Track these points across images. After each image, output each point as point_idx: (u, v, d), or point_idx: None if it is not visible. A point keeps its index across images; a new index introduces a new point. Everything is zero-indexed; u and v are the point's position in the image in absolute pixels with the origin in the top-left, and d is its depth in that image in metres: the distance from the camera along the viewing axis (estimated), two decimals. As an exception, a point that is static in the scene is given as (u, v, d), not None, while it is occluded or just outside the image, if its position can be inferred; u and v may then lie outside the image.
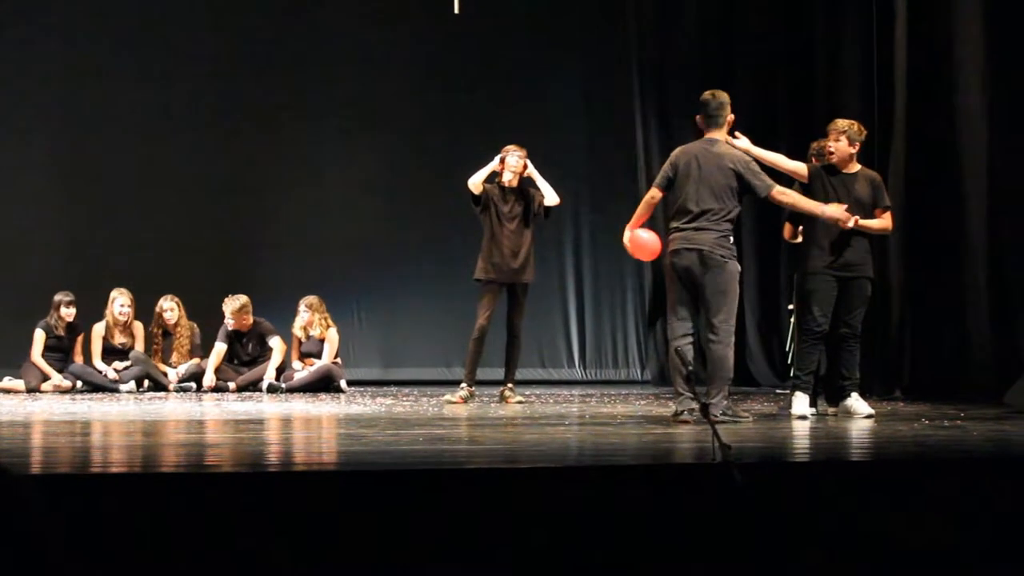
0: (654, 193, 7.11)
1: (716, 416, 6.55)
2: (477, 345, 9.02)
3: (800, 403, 7.31)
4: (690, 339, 6.88)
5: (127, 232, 12.06)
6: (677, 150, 7.15)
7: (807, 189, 7.44)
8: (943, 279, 9.17)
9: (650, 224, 7.31)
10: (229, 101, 12.36)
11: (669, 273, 6.96)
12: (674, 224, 6.92)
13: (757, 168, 6.99)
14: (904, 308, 9.52)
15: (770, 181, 6.97)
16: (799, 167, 7.51)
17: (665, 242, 7.01)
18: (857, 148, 7.44)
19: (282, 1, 12.64)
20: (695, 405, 6.72)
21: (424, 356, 12.58)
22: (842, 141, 7.39)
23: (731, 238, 6.90)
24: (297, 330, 10.97)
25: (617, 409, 8.12)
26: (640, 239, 7.16)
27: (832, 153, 7.44)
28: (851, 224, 7.25)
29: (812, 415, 7.33)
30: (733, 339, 6.86)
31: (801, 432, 6.40)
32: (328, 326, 10.90)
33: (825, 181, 7.42)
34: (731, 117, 7.10)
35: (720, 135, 7.03)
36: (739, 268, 6.95)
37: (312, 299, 10.94)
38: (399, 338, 12.64)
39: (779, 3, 11.37)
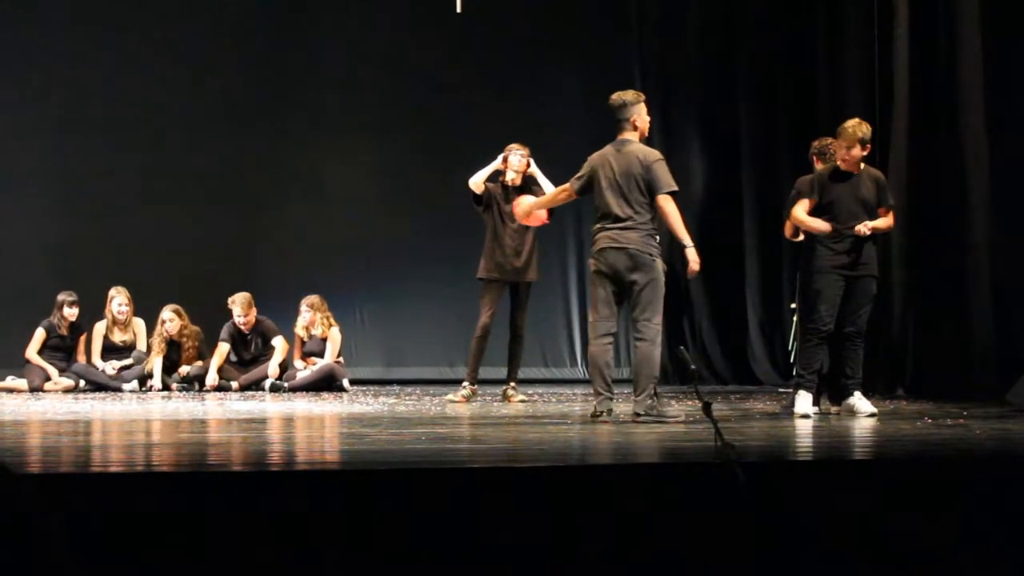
0: (568, 191, 7.24)
1: (640, 416, 6.61)
2: (480, 344, 9.02)
3: (803, 402, 7.31)
4: (611, 339, 6.97)
5: (128, 232, 12.06)
6: (592, 156, 7.15)
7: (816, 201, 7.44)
8: (945, 277, 9.16)
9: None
10: (230, 101, 12.36)
11: (594, 272, 6.99)
12: (599, 226, 7.00)
13: (663, 168, 6.91)
14: (906, 307, 9.51)
15: (667, 186, 6.88)
16: (806, 211, 7.45)
17: (590, 243, 7.09)
18: (868, 150, 7.44)
19: (283, 2, 12.65)
20: (611, 406, 6.86)
21: (426, 355, 12.58)
22: (856, 148, 7.37)
23: (656, 237, 6.94)
24: (299, 330, 10.97)
25: (619, 408, 8.11)
26: (537, 217, 7.77)
27: (845, 160, 7.41)
28: (867, 232, 7.26)
29: (815, 414, 7.32)
30: (660, 337, 6.85)
31: (804, 431, 6.40)
32: (330, 325, 10.90)
33: (828, 189, 7.39)
34: (638, 118, 7.02)
35: (630, 135, 7.02)
36: (664, 267, 6.95)
37: (314, 299, 10.94)
38: (401, 337, 12.64)
39: (780, 4, 11.37)
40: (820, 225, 7.34)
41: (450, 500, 3.98)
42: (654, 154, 7.01)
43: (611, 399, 6.91)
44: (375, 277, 12.53)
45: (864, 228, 7.28)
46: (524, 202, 7.98)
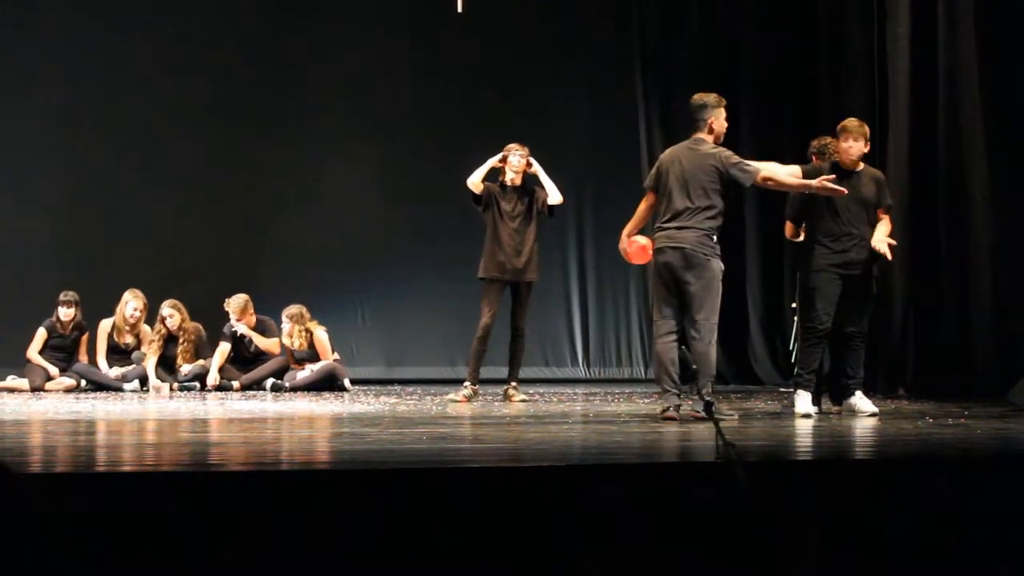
0: (648, 196, 7.21)
1: (699, 412, 6.63)
2: (481, 344, 9.01)
3: (803, 401, 7.31)
4: (674, 337, 6.95)
5: (129, 233, 12.08)
6: (665, 151, 7.24)
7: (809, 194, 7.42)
8: (945, 277, 9.17)
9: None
10: (231, 102, 12.37)
11: (654, 272, 7.06)
12: (658, 223, 7.04)
13: (739, 159, 7.04)
14: (907, 306, 9.51)
15: (754, 168, 7.02)
16: (793, 170, 7.47)
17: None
18: (868, 148, 7.46)
19: (283, 2, 12.65)
20: (679, 402, 6.88)
21: (428, 355, 12.58)
22: (859, 142, 7.38)
23: (714, 237, 6.94)
24: (286, 338, 10.94)
25: (621, 408, 8.12)
26: (636, 243, 7.24)
27: (842, 154, 7.41)
28: (884, 249, 7.25)
29: (816, 413, 7.32)
30: (715, 336, 6.90)
31: (804, 430, 6.40)
32: (310, 332, 10.82)
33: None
34: (716, 121, 7.07)
35: (705, 136, 7.06)
36: (722, 267, 6.96)
37: (292, 309, 10.88)
38: (402, 337, 12.65)
39: (781, 3, 11.37)
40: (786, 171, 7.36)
41: (450, 500, 3.98)
42: (727, 153, 7.02)
43: (678, 395, 6.91)
44: (375, 277, 12.54)
45: (884, 248, 7.27)
46: (631, 245, 7.27)
